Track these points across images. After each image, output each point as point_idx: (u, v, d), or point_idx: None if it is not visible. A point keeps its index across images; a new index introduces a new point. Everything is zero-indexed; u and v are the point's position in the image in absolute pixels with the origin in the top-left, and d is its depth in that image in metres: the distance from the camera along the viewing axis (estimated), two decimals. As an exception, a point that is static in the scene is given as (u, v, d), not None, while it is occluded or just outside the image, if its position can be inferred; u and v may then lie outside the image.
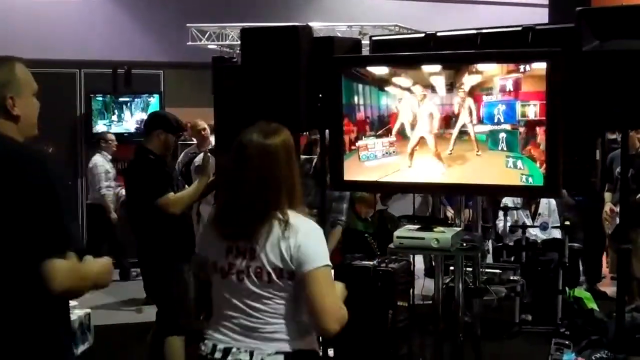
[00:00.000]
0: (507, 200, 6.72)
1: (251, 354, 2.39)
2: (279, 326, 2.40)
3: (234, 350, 2.41)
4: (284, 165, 2.42)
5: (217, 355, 2.43)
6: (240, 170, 2.41)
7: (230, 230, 2.43)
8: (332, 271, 2.43)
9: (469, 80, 3.70)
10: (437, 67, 3.79)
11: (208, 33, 10.73)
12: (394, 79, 3.87)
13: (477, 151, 3.73)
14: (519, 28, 3.87)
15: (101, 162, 8.02)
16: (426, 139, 3.83)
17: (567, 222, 6.31)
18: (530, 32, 3.80)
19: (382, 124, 3.93)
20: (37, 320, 2.12)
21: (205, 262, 2.54)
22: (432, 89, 3.79)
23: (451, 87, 3.74)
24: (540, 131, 3.56)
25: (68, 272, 2.10)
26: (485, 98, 3.68)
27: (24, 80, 2.29)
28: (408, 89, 3.85)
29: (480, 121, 3.70)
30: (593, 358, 4.49)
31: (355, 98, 3.95)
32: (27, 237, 2.05)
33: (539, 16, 10.16)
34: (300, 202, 2.46)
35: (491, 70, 3.67)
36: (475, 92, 3.70)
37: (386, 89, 3.89)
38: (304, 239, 2.37)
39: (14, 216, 2.05)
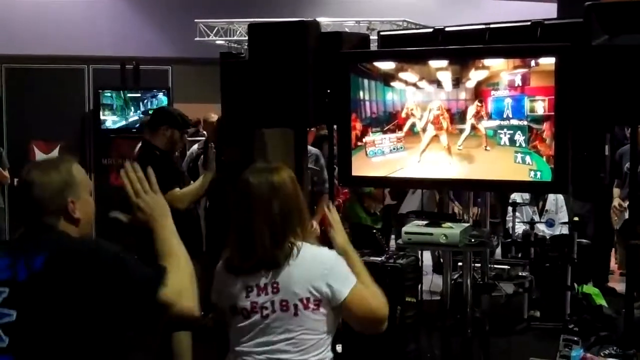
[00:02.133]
0: (516, 196, 6.68)
1: None
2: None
3: None
4: (293, 198, 2.45)
5: None
6: (250, 209, 2.41)
7: (249, 264, 2.40)
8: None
9: (475, 76, 3.68)
10: (444, 62, 3.77)
11: (216, 29, 10.76)
12: (401, 74, 3.86)
13: (486, 146, 3.72)
14: (528, 23, 3.84)
15: None
16: (439, 137, 3.81)
17: (576, 218, 6.27)
18: (539, 27, 3.78)
19: (388, 120, 3.92)
20: None
21: (222, 312, 2.50)
22: (439, 84, 3.77)
23: (457, 82, 3.73)
24: (548, 126, 3.54)
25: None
26: (493, 93, 3.67)
27: (82, 181, 2.27)
28: (414, 84, 3.84)
29: (489, 116, 3.69)
30: (602, 354, 4.46)
31: (361, 93, 3.94)
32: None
33: (548, 11, 10.14)
34: (309, 232, 2.48)
35: (498, 66, 3.65)
36: (482, 88, 3.69)
37: (392, 84, 3.88)
38: (326, 267, 2.39)
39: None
